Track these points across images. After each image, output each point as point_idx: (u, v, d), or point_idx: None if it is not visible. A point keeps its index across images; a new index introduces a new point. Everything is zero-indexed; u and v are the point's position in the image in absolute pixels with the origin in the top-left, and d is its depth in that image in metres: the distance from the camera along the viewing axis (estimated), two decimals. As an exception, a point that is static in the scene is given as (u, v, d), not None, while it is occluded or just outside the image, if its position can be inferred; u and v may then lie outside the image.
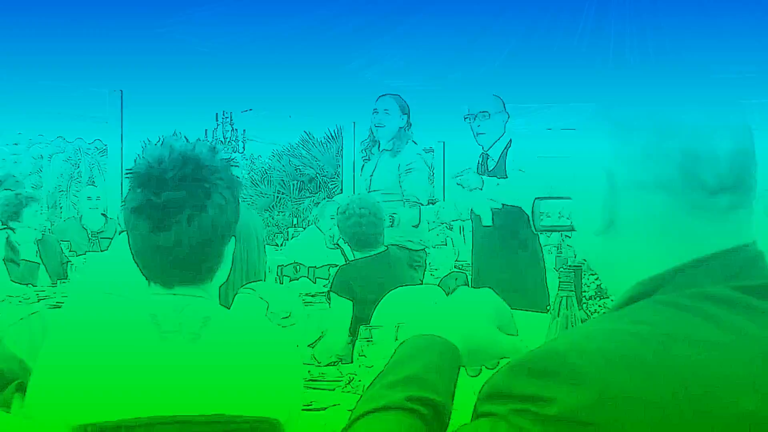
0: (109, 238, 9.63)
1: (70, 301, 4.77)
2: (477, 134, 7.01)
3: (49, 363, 2.49)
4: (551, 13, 11.72)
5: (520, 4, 11.77)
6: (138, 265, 2.59)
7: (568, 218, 1.79)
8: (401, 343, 1.71)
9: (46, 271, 8.15)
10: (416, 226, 7.42)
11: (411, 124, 7.65)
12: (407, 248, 7.40)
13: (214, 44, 12.49)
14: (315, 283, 8.08)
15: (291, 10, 11.67)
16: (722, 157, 1.50)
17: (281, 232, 14.10)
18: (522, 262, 6.91)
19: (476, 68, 12.32)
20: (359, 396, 3.53)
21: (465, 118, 7.02)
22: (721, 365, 1.38)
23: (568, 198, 1.71)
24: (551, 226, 1.89)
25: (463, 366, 1.73)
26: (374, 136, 7.69)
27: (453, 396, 1.63)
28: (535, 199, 1.89)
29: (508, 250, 6.93)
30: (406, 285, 5.73)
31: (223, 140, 17.04)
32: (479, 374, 1.81)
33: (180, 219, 2.47)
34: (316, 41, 12.09)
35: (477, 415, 1.46)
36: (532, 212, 1.88)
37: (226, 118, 17.26)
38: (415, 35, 12.16)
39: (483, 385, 1.47)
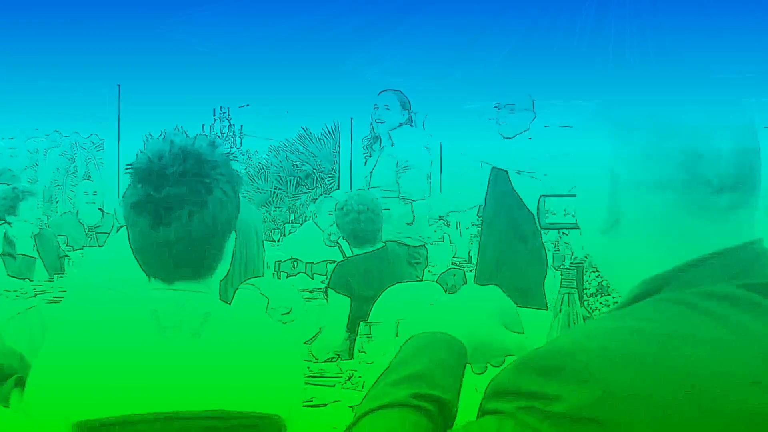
0: (106, 233, 9.62)
1: (71, 296, 4.76)
2: (499, 124, 7.12)
3: (49, 359, 2.48)
4: (551, 13, 11.73)
5: (520, 4, 11.78)
6: (138, 261, 2.59)
7: (573, 216, 1.78)
8: (407, 340, 1.71)
9: (43, 265, 8.14)
10: (410, 224, 7.43)
11: (413, 120, 7.64)
12: (406, 244, 7.40)
13: (214, 44, 12.48)
14: (313, 279, 8.09)
15: (291, 10, 11.66)
16: (724, 156, 1.50)
17: (278, 228, 14.07)
18: (523, 259, 6.95)
19: (476, 68, 12.32)
20: (359, 392, 3.56)
21: (495, 107, 7.14)
22: (726, 363, 1.38)
23: (574, 195, 1.71)
24: (556, 224, 1.89)
25: (469, 363, 1.73)
26: (375, 132, 7.68)
27: (459, 393, 1.63)
28: (541, 196, 1.89)
29: (513, 249, 6.97)
30: (404, 281, 5.74)
31: (220, 135, 17.02)
32: (484, 372, 1.81)
33: (181, 214, 2.46)
34: (316, 41, 12.09)
35: (483, 412, 1.46)
36: (538, 209, 1.88)
37: (224, 113, 17.24)
38: (415, 35, 12.16)
39: (489, 383, 1.47)
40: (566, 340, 1.46)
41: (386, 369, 1.66)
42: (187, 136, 2.60)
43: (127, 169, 2.56)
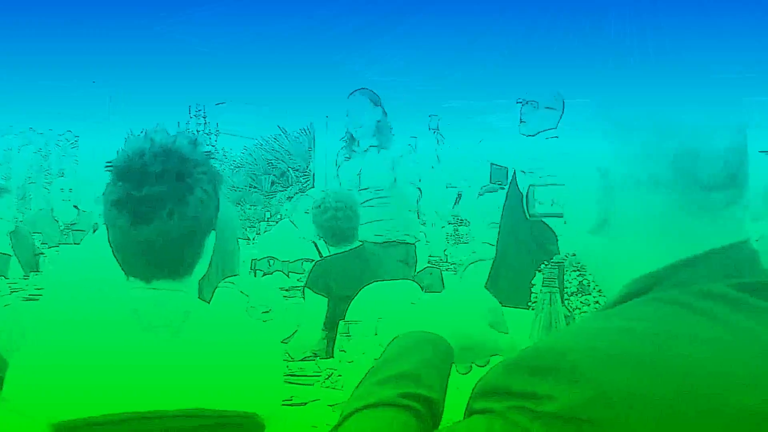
0: (81, 231, 9.57)
1: (49, 296, 4.73)
2: (520, 121, 7.08)
3: (29, 358, 2.46)
4: (551, 13, 11.76)
5: (520, 5, 11.79)
6: (117, 259, 2.57)
7: (560, 206, 1.78)
8: (393, 339, 1.70)
9: (19, 263, 8.10)
10: (418, 202, 7.46)
11: (386, 113, 7.61)
12: (406, 243, 7.42)
13: (202, 42, 12.50)
14: (288, 277, 8.06)
15: (291, 10, 11.66)
16: (718, 154, 1.50)
17: (253, 226, 14.05)
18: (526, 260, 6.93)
19: (476, 68, 12.35)
20: (339, 391, 3.55)
21: (517, 102, 7.09)
22: (720, 363, 1.38)
23: (562, 185, 1.71)
24: (544, 213, 1.89)
25: (454, 363, 1.72)
26: (353, 136, 7.66)
27: (445, 392, 1.63)
28: (529, 185, 1.89)
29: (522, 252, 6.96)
30: (381, 280, 5.74)
31: (194, 134, 16.99)
32: (469, 372, 1.80)
33: (161, 213, 2.45)
34: (315, 41, 12.10)
35: (470, 411, 1.45)
36: (527, 198, 1.88)
37: (199, 111, 17.22)
38: (415, 35, 12.18)
39: (477, 382, 1.46)
40: (557, 339, 1.46)
41: (372, 367, 1.65)
42: (167, 134, 2.59)
43: (107, 167, 2.54)
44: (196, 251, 2.57)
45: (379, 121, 7.55)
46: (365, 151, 7.58)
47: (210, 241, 2.60)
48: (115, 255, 2.56)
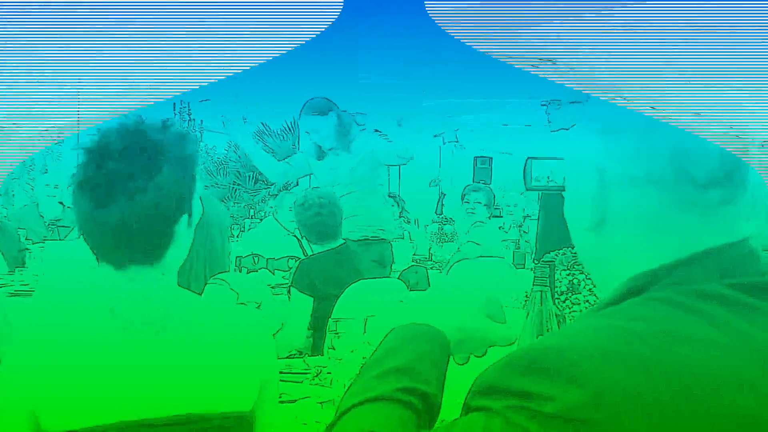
0: (67, 227, 9.54)
1: (35, 297, 4.71)
2: (548, 121, 7.13)
3: (13, 364, 2.43)
4: (537, 13, 11.76)
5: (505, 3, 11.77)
6: (87, 244, 2.49)
7: (557, 181, 1.79)
8: (389, 332, 1.70)
9: (4, 258, 8.07)
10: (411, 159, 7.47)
11: (342, 111, 7.57)
12: (380, 239, 7.41)
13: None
14: (274, 274, 8.06)
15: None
16: (712, 152, 1.51)
17: (237, 224, 14.00)
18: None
19: (439, 67, 12.35)
20: (328, 389, 3.54)
21: (542, 105, 7.14)
22: (719, 364, 1.39)
23: (561, 159, 1.71)
24: (541, 187, 1.89)
25: (452, 354, 1.73)
26: (321, 148, 7.66)
27: (443, 386, 1.63)
28: (528, 158, 1.89)
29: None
30: (365, 278, 5.74)
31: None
32: (467, 362, 1.81)
33: (123, 193, 2.36)
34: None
35: (468, 409, 1.45)
36: (525, 171, 1.88)
37: (184, 107, 17.17)
38: (378, 32, 12.17)
39: (475, 380, 1.46)
40: (555, 338, 1.46)
41: (367, 362, 1.65)
42: (140, 117, 2.51)
43: (73, 148, 2.50)
44: (163, 235, 2.44)
45: (337, 125, 7.52)
46: (340, 149, 7.57)
47: (182, 225, 2.46)
48: (85, 240, 2.48)
